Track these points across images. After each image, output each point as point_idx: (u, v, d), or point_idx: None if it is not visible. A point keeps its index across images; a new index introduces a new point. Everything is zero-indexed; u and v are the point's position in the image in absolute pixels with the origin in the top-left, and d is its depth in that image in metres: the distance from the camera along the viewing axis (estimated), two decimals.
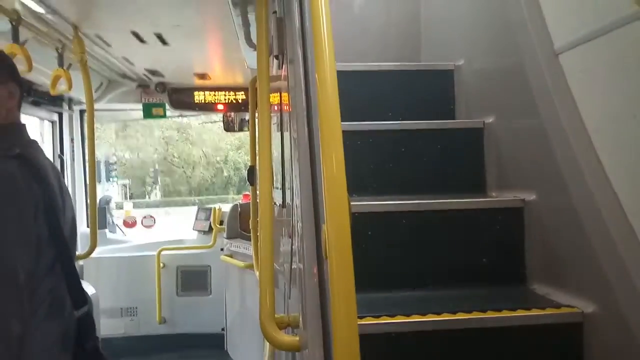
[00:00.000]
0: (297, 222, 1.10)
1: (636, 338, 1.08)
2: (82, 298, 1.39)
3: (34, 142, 1.51)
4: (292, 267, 1.26)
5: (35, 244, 1.31)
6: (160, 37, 2.76)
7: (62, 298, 1.36)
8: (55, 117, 4.17)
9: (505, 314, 1.27)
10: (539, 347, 1.28)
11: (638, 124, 1.12)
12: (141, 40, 2.81)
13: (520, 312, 1.27)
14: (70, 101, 4.18)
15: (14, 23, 2.16)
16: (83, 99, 3.31)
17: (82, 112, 4.31)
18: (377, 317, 1.25)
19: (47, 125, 4.18)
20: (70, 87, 2.55)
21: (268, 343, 1.22)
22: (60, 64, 2.57)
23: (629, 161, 1.16)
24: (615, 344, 1.16)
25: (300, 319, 1.04)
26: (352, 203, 0.76)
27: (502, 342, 1.28)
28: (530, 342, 1.28)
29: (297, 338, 1.03)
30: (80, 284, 1.39)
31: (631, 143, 1.15)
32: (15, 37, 2.18)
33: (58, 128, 4.20)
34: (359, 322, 0.71)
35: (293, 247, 1.23)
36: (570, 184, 1.30)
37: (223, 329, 4.24)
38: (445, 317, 1.27)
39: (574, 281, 1.32)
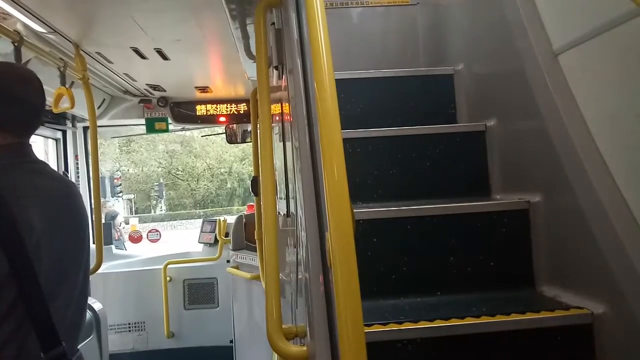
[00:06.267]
0: (302, 231, 1.10)
1: None
2: (53, 340, 1.25)
3: (16, 164, 1.34)
4: (298, 276, 1.25)
5: None
6: (160, 53, 2.78)
7: (23, 342, 1.22)
8: (59, 135, 4.20)
9: (514, 317, 1.26)
10: (550, 349, 1.26)
11: None
12: (142, 56, 2.83)
13: (529, 315, 1.26)
14: (74, 118, 4.21)
15: (16, 44, 2.18)
16: (86, 116, 3.33)
17: (85, 129, 4.34)
18: (385, 324, 1.24)
19: (51, 143, 4.22)
20: (73, 104, 2.57)
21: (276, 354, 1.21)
22: (63, 82, 2.59)
23: (633, 160, 1.15)
24: (626, 344, 1.14)
25: (307, 328, 1.03)
26: (356, 210, 0.76)
27: (512, 346, 1.26)
28: (541, 344, 1.26)
29: (305, 348, 1.02)
30: (52, 324, 1.24)
31: (634, 142, 1.14)
32: (18, 58, 2.20)
33: (62, 146, 4.23)
34: (366, 330, 0.71)
35: (298, 256, 1.22)
36: (575, 185, 1.30)
37: (231, 341, 4.21)
38: (454, 322, 1.25)
39: (582, 282, 1.31)
